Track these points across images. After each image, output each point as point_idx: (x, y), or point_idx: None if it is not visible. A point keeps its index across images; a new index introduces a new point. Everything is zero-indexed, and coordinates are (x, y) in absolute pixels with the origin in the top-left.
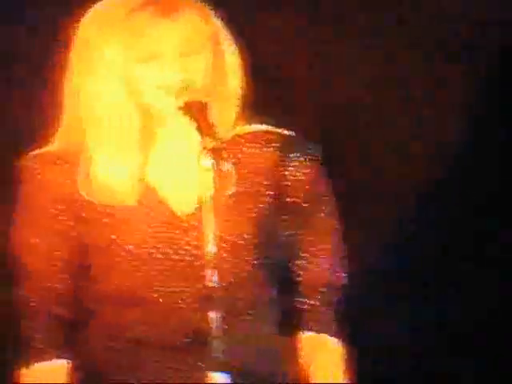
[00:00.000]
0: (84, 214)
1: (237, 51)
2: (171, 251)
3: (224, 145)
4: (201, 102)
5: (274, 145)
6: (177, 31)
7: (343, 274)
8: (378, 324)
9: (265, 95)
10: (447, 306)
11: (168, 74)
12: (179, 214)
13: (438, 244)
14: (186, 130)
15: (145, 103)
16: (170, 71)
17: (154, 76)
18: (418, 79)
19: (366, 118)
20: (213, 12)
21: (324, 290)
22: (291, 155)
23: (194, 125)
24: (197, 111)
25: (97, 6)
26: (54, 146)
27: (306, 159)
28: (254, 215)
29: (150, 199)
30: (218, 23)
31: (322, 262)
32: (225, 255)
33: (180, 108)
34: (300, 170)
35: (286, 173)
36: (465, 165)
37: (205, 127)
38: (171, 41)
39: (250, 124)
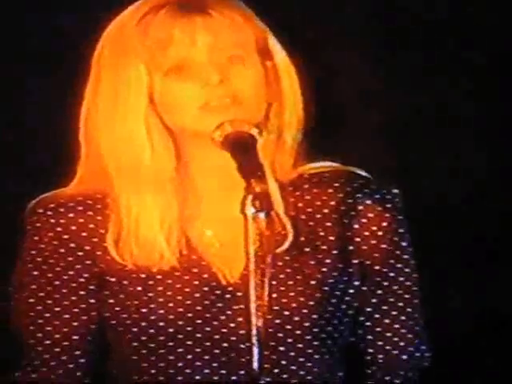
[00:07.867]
0: (109, 278)
1: (292, 67)
2: (212, 329)
3: (268, 188)
4: (246, 135)
5: (345, 189)
6: (209, 30)
7: (426, 354)
8: None
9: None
10: None
11: (204, 84)
12: (222, 279)
13: None
14: (232, 165)
15: (178, 129)
16: (206, 80)
17: (187, 91)
18: None
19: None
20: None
21: (403, 373)
22: (365, 203)
23: (235, 165)
24: (241, 148)
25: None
26: (73, 187)
27: (382, 209)
28: (315, 282)
29: (189, 259)
30: (265, 28)
31: (400, 340)
32: (279, 335)
33: (218, 143)
34: (375, 223)
35: (357, 226)
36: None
37: (250, 168)
38: (203, 42)
39: (313, 161)
